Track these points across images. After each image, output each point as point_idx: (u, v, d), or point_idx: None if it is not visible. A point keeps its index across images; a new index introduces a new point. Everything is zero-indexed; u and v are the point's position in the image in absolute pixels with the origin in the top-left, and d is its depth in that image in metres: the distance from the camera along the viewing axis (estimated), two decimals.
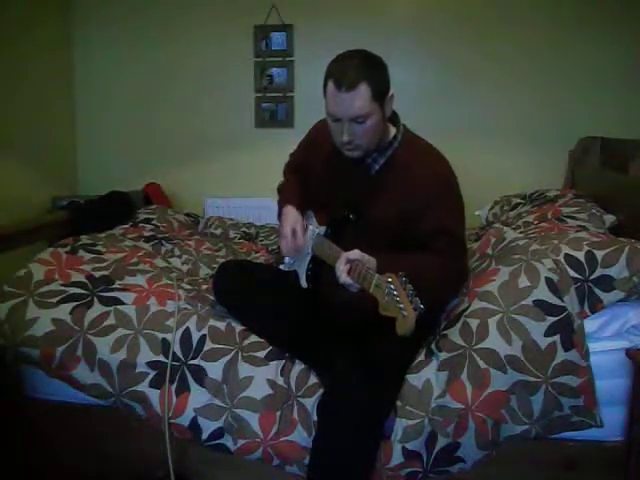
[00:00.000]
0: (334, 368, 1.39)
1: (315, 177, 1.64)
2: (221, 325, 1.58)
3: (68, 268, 1.74)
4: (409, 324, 1.09)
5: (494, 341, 1.39)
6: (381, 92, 1.36)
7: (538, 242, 1.58)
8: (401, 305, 1.11)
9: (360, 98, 1.33)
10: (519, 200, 2.27)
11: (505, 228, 1.82)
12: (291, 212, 1.57)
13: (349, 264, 1.27)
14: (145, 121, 3.06)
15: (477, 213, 2.47)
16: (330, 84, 1.35)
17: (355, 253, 1.29)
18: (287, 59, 2.92)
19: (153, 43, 2.98)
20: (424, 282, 1.18)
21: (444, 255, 1.40)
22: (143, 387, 1.49)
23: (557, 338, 1.39)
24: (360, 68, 1.33)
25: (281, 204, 1.64)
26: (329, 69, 1.38)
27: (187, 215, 2.70)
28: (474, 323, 1.43)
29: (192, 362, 1.51)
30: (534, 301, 1.42)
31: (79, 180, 3.12)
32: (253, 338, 1.57)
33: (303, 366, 1.50)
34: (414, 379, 1.42)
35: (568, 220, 1.84)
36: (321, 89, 1.39)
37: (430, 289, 1.20)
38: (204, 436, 1.46)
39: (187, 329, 1.55)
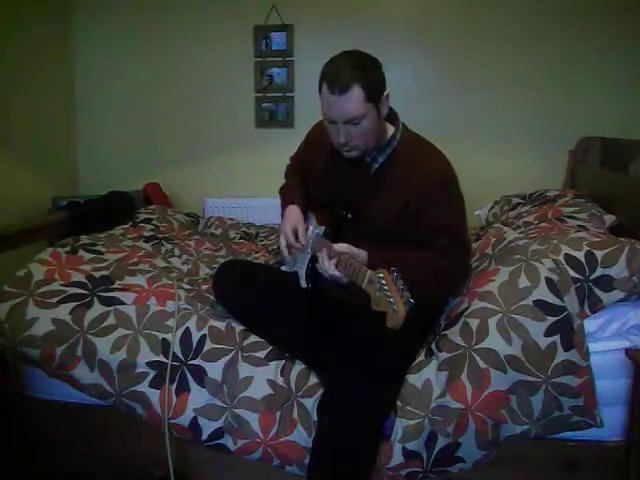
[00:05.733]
0: (334, 368, 1.39)
1: (316, 178, 1.64)
2: (221, 325, 1.58)
3: (68, 268, 1.74)
4: (399, 319, 1.11)
5: (494, 341, 1.39)
6: (375, 92, 1.36)
7: (538, 242, 1.58)
8: (391, 299, 1.11)
9: (353, 100, 1.33)
10: (519, 200, 2.27)
11: (505, 228, 1.82)
12: (293, 211, 1.57)
13: (336, 257, 1.28)
14: (145, 121, 3.06)
15: (477, 213, 2.47)
16: (324, 87, 1.36)
17: (342, 246, 1.29)
18: (287, 59, 2.91)
19: (153, 43, 2.97)
20: (416, 277, 1.18)
21: (443, 253, 1.40)
22: (143, 387, 1.49)
23: (557, 338, 1.38)
24: (352, 70, 1.33)
25: (284, 205, 1.64)
26: (323, 72, 1.38)
27: (187, 215, 2.69)
28: (474, 323, 1.43)
29: (192, 362, 1.51)
30: (534, 301, 1.41)
31: (79, 180, 3.12)
32: (253, 338, 1.57)
33: (303, 366, 1.50)
34: (414, 379, 1.42)
35: (568, 220, 1.84)
36: None
37: (423, 284, 1.19)
38: (204, 436, 1.46)
39: (187, 329, 1.55)
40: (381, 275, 1.16)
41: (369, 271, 1.20)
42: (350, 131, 1.38)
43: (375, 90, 1.36)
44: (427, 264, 1.38)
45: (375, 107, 1.37)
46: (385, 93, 1.40)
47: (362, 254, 1.33)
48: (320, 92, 1.38)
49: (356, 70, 1.33)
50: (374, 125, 1.40)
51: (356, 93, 1.33)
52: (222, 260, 2.12)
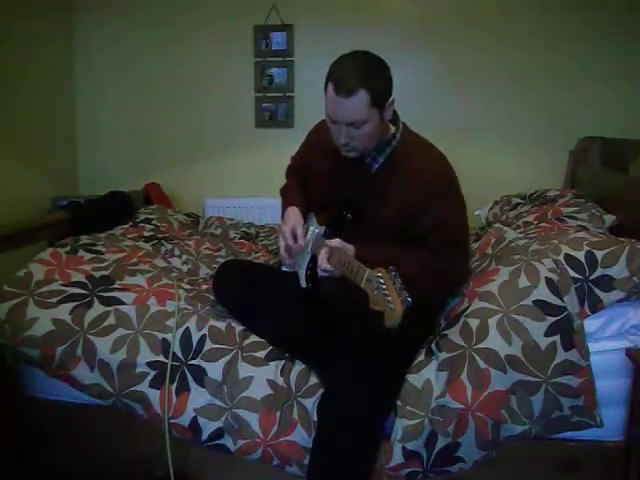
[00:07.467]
0: (334, 368, 1.39)
1: (316, 178, 1.64)
2: (221, 325, 1.58)
3: (68, 268, 1.74)
4: (396, 317, 1.10)
5: (494, 341, 1.39)
6: (380, 98, 1.35)
7: (538, 242, 1.58)
8: (389, 299, 1.11)
9: (358, 104, 1.32)
10: (519, 200, 2.27)
11: (505, 228, 1.82)
12: (293, 213, 1.57)
13: (329, 252, 1.29)
14: (145, 121, 3.06)
15: (477, 213, 2.47)
16: (330, 86, 1.35)
17: (336, 241, 1.31)
18: (287, 59, 2.92)
19: (153, 43, 2.98)
20: (409, 276, 1.17)
21: (438, 252, 1.40)
22: (143, 387, 1.49)
23: (557, 338, 1.38)
24: (360, 73, 1.32)
25: (284, 206, 1.64)
26: (330, 70, 1.37)
27: (187, 215, 2.70)
28: (474, 323, 1.43)
29: (192, 362, 1.51)
30: (534, 301, 1.41)
31: (79, 180, 3.12)
32: (253, 338, 1.57)
33: (303, 366, 1.50)
34: (414, 379, 1.42)
35: (568, 220, 1.84)
36: (321, 89, 1.39)
37: (415, 284, 1.18)
38: (204, 436, 1.46)
39: (187, 329, 1.55)
40: (379, 274, 1.16)
41: (367, 270, 1.20)
42: (351, 133, 1.38)
43: (381, 96, 1.35)
44: (419, 263, 1.38)
45: (379, 112, 1.37)
46: (390, 99, 1.39)
47: (350, 248, 1.35)
48: (325, 91, 1.37)
49: (364, 73, 1.32)
50: (375, 129, 1.39)
51: (361, 97, 1.32)
52: (222, 260, 2.12)
